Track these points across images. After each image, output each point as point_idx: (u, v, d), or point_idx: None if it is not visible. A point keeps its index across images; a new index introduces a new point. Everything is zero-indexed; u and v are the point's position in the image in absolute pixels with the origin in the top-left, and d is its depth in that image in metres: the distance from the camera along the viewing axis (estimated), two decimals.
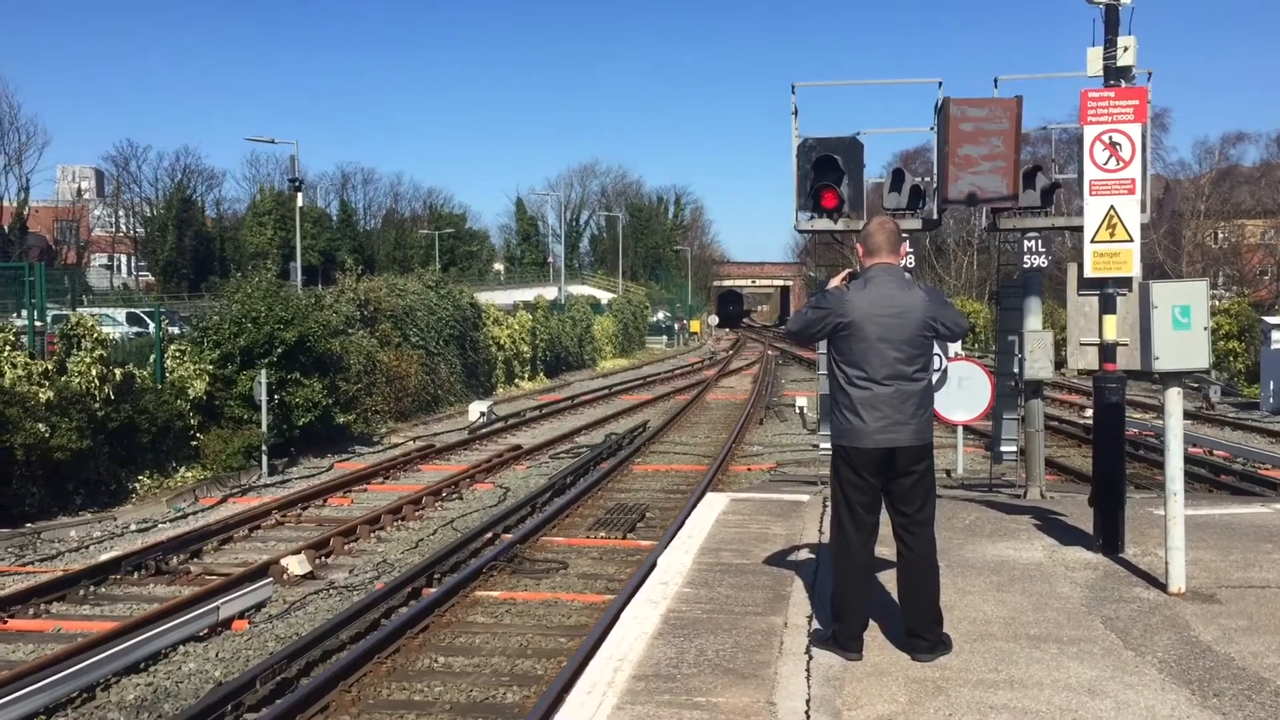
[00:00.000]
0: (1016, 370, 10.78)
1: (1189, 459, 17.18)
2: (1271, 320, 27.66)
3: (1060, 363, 9.71)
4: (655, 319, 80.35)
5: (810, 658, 5.54)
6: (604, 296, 72.14)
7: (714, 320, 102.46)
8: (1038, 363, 10.28)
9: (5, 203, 67.74)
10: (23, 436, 13.99)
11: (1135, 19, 7.86)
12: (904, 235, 11.30)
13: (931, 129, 10.65)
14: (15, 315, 17.58)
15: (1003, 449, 11.89)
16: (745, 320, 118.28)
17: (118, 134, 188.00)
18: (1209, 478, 15.63)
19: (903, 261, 10.98)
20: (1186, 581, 6.74)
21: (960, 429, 15.21)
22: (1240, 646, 5.72)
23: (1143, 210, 8.88)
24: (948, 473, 15.33)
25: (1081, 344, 7.84)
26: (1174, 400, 6.56)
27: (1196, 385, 29.46)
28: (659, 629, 6.05)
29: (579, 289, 75.30)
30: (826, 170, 10.52)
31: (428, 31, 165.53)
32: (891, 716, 4.80)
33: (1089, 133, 7.46)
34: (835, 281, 5.80)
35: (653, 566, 7.88)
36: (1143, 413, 24.28)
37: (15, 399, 14.36)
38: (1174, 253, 58.03)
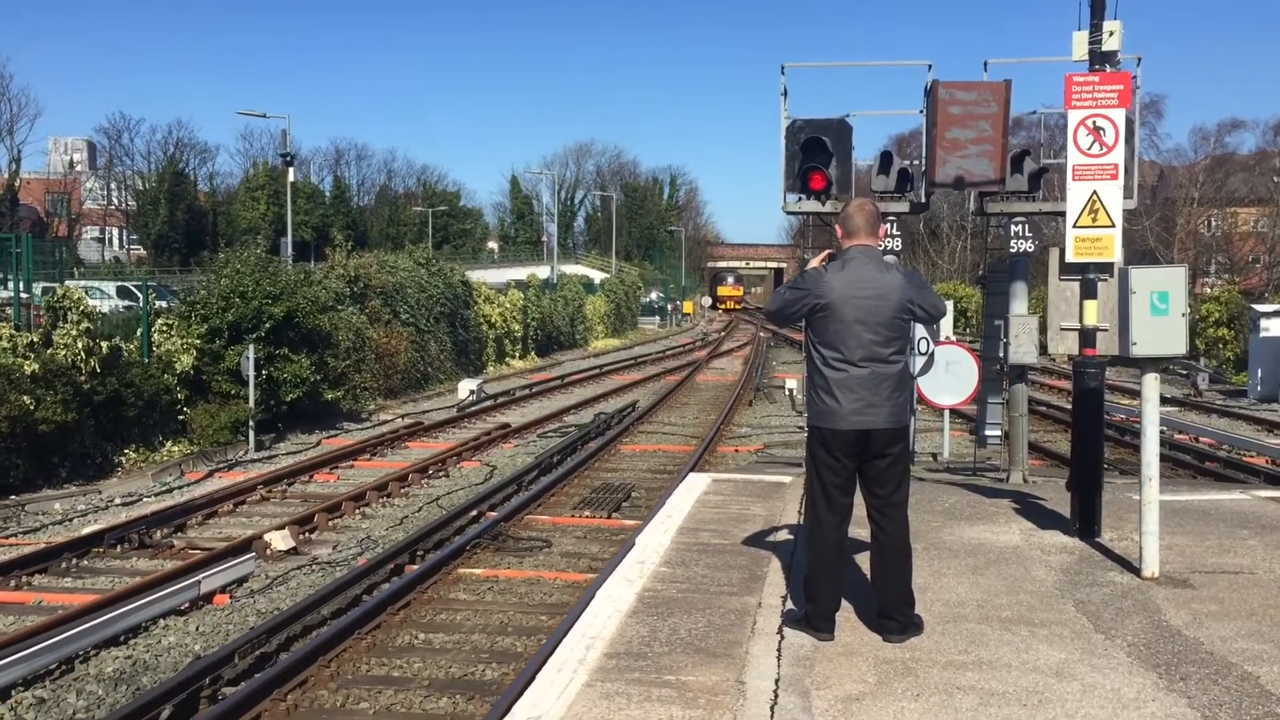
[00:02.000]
0: (1001, 355, 10.81)
1: (1175, 445, 17.32)
2: (1261, 308, 27.73)
3: (1043, 347, 9.72)
4: (648, 299, 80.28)
5: (782, 638, 5.57)
6: (597, 276, 72.08)
7: (707, 301, 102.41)
8: (1022, 347, 10.29)
9: None
10: (7, 409, 13.96)
11: (1135, 5, 7.85)
12: (891, 218, 11.37)
13: (921, 112, 10.64)
14: (2, 288, 17.53)
15: (987, 433, 11.93)
16: (740, 302, 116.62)
17: (110, 106, 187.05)
18: (1194, 464, 15.68)
19: (886, 243, 11.06)
20: (1160, 566, 6.78)
21: (947, 413, 15.24)
22: (1210, 631, 5.76)
23: (1128, 196, 8.90)
24: (934, 456, 15.37)
25: (1062, 329, 7.87)
26: (1150, 386, 6.57)
27: (1185, 372, 29.56)
28: (633, 607, 6.08)
29: (572, 268, 75.20)
30: (815, 152, 10.51)
31: (424, 8, 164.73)
32: (859, 696, 4.82)
33: (1073, 117, 7.46)
34: (814, 262, 5.80)
35: (632, 546, 7.90)
36: (1131, 399, 24.33)
37: (0, 371, 14.33)
38: (1166, 239, 58.08)
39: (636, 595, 6.33)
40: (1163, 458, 10.40)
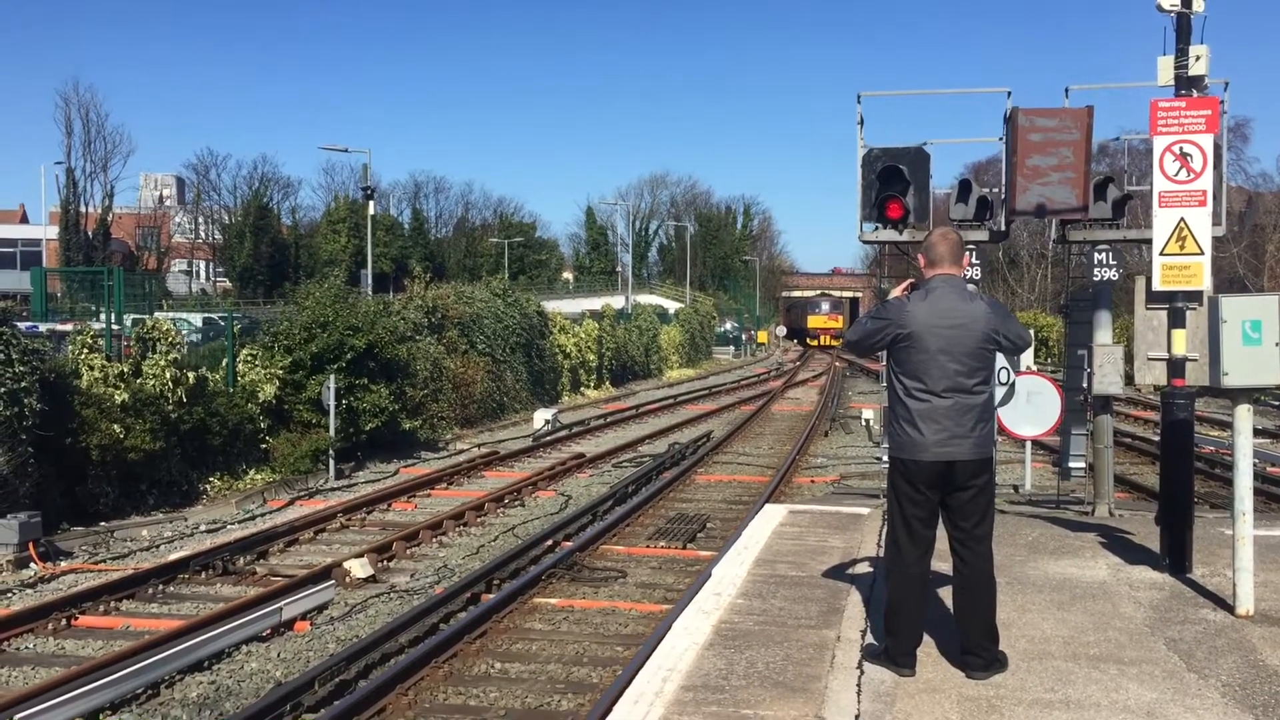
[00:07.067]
0: (1085, 385, 10.59)
1: (1269, 478, 16.78)
2: None
3: (1129, 377, 9.51)
4: (723, 329, 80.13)
5: (862, 672, 5.48)
6: (671, 306, 72.15)
7: (782, 331, 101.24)
8: (1107, 377, 10.08)
9: (91, 209, 69.63)
10: (98, 437, 14.35)
11: (1223, 28, 7.72)
12: (971, 246, 11.23)
13: (1000, 139, 10.51)
14: (94, 319, 18.05)
15: (1071, 465, 11.68)
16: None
17: (198, 143, 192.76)
18: None
19: (966, 273, 10.91)
20: (1255, 603, 6.56)
21: (1029, 444, 14.95)
22: None
23: (1217, 223, 8.68)
24: (1015, 488, 15.07)
25: (1150, 359, 7.69)
26: (1243, 417, 6.39)
27: (1278, 403, 28.67)
28: (710, 640, 6.03)
29: (647, 298, 75.37)
30: (892, 180, 10.43)
31: (500, 42, 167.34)
32: None
33: (1158, 143, 7.31)
34: (896, 292, 5.74)
35: (708, 578, 7.85)
36: (1220, 430, 23.66)
37: (92, 400, 14.74)
38: (1256, 267, 56.55)
39: (713, 627, 6.28)
40: (1257, 491, 10.07)
